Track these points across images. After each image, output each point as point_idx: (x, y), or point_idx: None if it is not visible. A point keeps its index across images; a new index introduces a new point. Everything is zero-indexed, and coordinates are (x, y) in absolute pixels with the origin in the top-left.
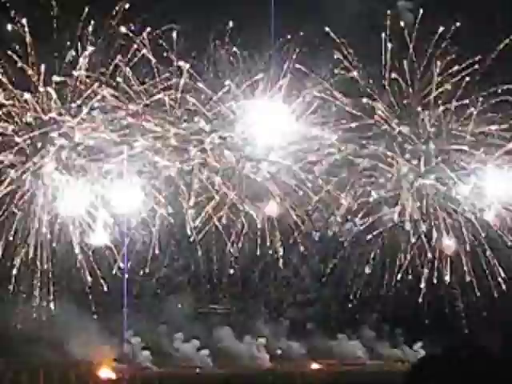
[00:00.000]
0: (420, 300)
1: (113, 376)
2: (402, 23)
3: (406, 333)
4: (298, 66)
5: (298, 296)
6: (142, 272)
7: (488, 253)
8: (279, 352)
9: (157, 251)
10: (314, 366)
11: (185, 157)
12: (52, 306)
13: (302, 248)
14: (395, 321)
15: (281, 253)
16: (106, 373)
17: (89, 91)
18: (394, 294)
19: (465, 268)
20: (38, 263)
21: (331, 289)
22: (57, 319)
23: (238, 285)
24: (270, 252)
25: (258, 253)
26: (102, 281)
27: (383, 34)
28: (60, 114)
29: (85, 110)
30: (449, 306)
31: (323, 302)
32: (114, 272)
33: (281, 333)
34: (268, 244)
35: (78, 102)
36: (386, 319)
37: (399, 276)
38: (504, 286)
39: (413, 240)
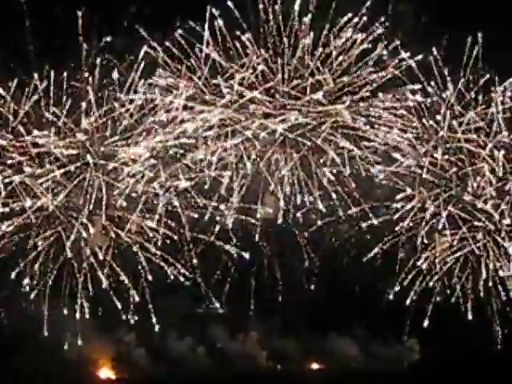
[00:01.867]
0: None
1: (112, 376)
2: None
3: (398, 331)
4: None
5: (290, 295)
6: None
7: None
8: (273, 350)
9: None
10: (314, 365)
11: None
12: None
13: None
14: (387, 319)
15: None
16: (105, 373)
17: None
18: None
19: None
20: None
21: (324, 288)
22: (52, 319)
23: (232, 285)
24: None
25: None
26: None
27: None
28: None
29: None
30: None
31: (315, 300)
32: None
33: (273, 331)
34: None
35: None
36: (379, 318)
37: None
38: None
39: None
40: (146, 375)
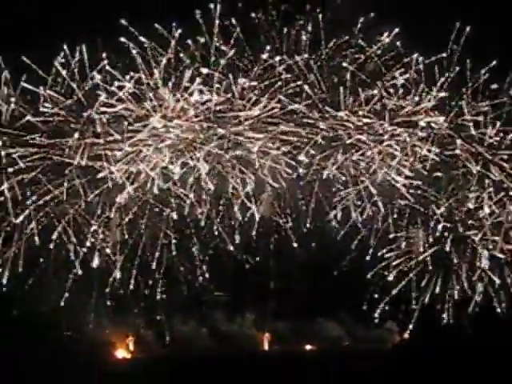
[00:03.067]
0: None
1: (127, 355)
2: None
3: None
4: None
5: (283, 283)
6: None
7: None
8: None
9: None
10: (308, 346)
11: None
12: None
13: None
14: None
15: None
16: (121, 353)
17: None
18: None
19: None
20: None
21: (312, 276)
22: (74, 305)
23: (232, 274)
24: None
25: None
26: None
27: None
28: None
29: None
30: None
31: (304, 288)
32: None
33: (267, 315)
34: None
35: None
36: (361, 303)
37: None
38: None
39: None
40: (156, 355)
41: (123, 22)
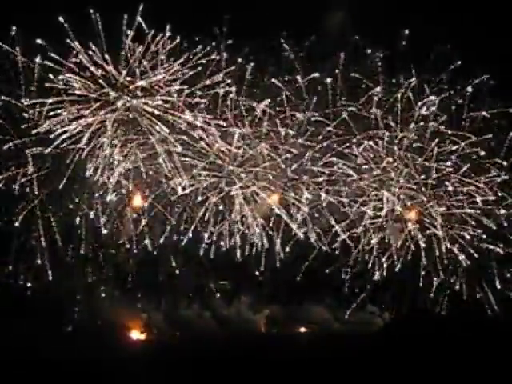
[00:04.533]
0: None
1: (141, 337)
2: None
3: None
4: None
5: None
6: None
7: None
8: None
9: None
10: (302, 329)
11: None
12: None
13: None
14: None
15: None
16: (135, 335)
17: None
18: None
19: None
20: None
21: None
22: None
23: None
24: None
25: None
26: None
27: None
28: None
29: None
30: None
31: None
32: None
33: (262, 302)
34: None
35: None
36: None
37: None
38: None
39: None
40: (166, 337)
41: None
